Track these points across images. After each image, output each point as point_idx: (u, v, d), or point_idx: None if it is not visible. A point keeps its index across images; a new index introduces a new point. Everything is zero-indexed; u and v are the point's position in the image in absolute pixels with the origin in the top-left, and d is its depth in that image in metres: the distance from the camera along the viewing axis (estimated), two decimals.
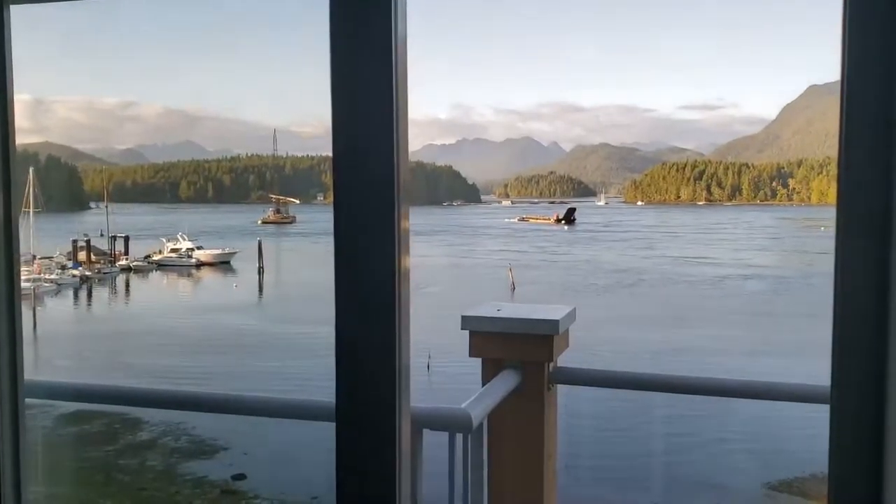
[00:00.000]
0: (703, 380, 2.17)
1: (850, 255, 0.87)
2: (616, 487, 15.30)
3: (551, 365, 1.99)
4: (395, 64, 0.89)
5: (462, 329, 1.92)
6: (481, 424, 1.66)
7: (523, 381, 1.95)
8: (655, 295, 51.61)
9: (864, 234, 0.91)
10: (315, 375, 27.41)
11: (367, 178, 0.90)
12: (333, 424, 1.16)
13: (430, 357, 27.74)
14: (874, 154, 0.80)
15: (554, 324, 1.96)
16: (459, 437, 1.62)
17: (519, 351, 1.95)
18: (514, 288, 53.68)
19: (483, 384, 1.91)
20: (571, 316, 2.08)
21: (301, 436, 20.07)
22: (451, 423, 1.58)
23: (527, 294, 50.30)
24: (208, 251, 73.40)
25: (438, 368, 25.76)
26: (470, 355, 1.96)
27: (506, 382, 1.89)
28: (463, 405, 1.62)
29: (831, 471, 0.88)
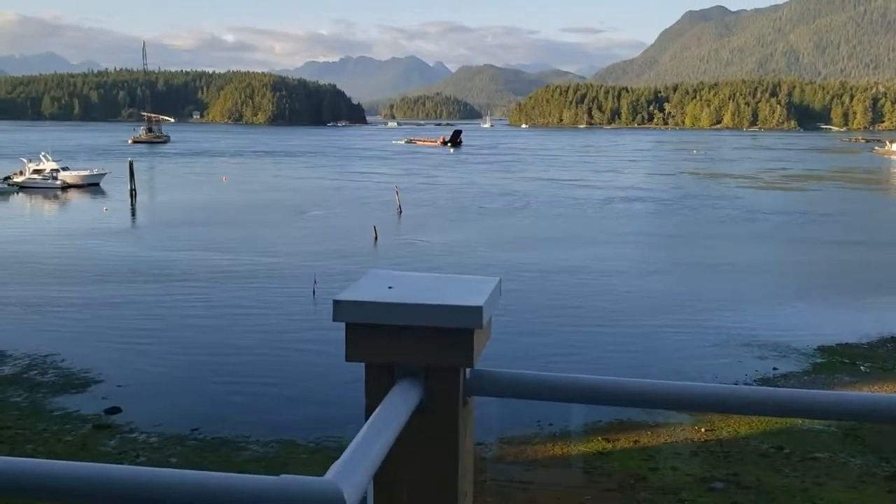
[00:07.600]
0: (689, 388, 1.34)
1: None
2: None
3: (468, 371, 1.35)
4: None
5: (334, 321, 1.28)
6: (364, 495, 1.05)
7: (427, 395, 1.31)
8: (548, 217, 52.84)
9: None
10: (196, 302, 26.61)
11: None
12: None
13: (315, 283, 27.48)
14: None
15: (475, 312, 1.27)
16: None
17: (422, 352, 1.30)
18: (401, 211, 53.67)
19: (366, 400, 1.29)
20: (496, 295, 1.38)
21: (178, 363, 19.52)
22: None
23: (417, 218, 50.34)
24: (75, 172, 69.02)
25: (327, 293, 25.56)
26: (347, 358, 1.29)
27: (401, 405, 1.23)
28: (330, 472, 0.95)
29: None
